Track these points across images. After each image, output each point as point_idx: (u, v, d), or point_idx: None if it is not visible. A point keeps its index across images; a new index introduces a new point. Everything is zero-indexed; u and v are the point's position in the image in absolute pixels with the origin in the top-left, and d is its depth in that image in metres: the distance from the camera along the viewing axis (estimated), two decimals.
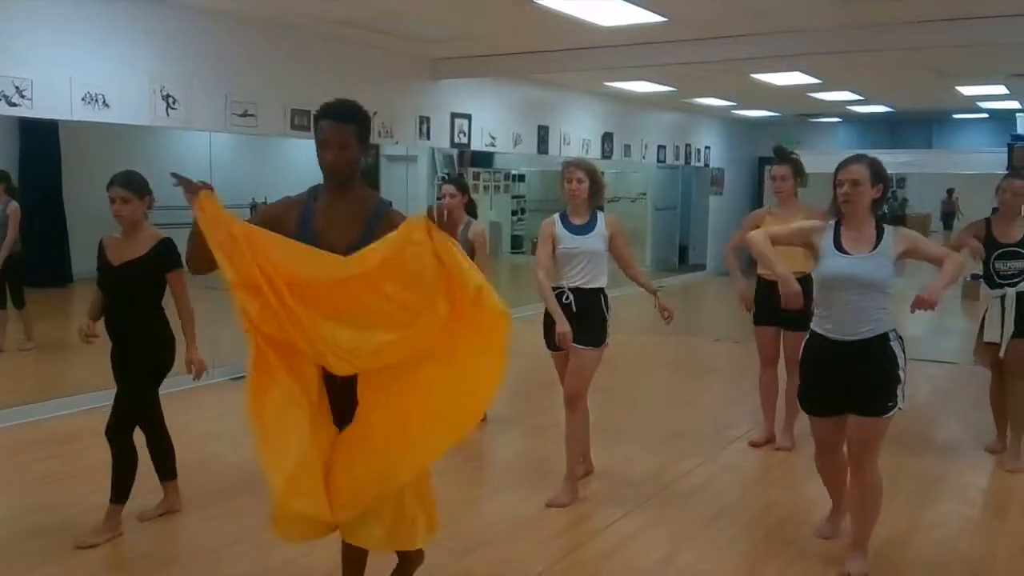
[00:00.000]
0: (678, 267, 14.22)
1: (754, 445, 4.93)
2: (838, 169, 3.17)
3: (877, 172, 3.13)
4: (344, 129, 2.47)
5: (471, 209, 5.07)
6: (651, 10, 6.00)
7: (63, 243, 7.68)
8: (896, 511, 3.93)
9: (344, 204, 2.51)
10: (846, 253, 3.13)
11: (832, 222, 3.21)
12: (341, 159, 2.47)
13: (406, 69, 8.11)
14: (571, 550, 3.58)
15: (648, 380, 6.99)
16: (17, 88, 5.12)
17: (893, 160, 13.85)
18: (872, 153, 3.31)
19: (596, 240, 3.96)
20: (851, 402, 3.17)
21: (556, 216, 4.06)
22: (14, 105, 5.11)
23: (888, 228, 3.17)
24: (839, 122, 15.14)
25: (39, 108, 5.25)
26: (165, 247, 3.55)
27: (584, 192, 3.94)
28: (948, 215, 17.17)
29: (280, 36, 6.73)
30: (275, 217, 2.53)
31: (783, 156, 4.68)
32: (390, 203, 2.61)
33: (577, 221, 3.99)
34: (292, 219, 2.51)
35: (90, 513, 3.63)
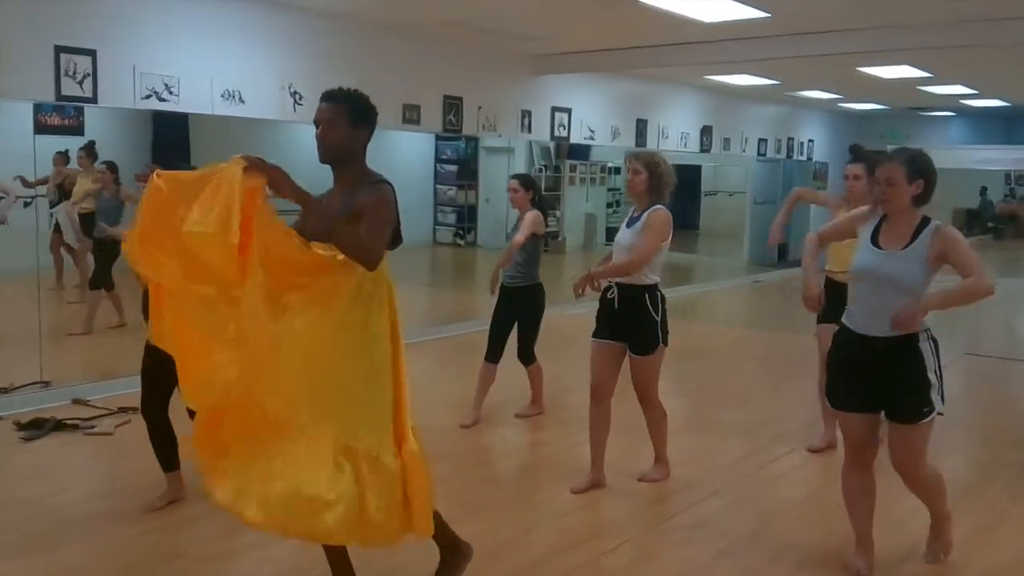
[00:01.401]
0: (776, 262, 14.04)
1: (813, 451, 4.73)
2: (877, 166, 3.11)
3: (915, 168, 2.97)
4: (332, 107, 2.57)
5: (539, 205, 5.05)
6: (753, 6, 6.09)
7: None
8: (988, 502, 3.99)
9: (340, 185, 2.63)
10: (880, 248, 3.04)
11: (881, 213, 3.13)
12: (328, 136, 2.57)
13: (509, 65, 8.42)
14: (664, 519, 3.83)
15: (740, 372, 7.06)
16: (166, 85, 5.72)
17: (1006, 156, 13.36)
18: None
19: (632, 235, 3.84)
20: (885, 405, 3.10)
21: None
22: (163, 100, 5.72)
23: (931, 226, 2.99)
24: (952, 116, 14.56)
25: (184, 103, 5.84)
26: None
27: (641, 184, 3.84)
28: None
29: (394, 37, 7.15)
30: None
31: (857, 154, 4.54)
32: (379, 179, 2.59)
33: (635, 214, 3.92)
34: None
35: None
